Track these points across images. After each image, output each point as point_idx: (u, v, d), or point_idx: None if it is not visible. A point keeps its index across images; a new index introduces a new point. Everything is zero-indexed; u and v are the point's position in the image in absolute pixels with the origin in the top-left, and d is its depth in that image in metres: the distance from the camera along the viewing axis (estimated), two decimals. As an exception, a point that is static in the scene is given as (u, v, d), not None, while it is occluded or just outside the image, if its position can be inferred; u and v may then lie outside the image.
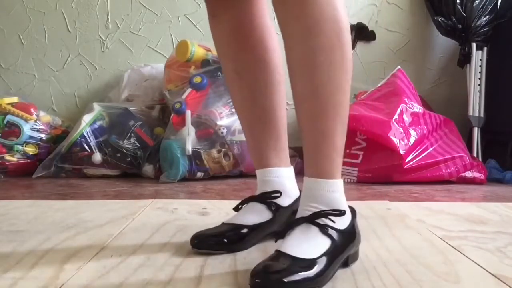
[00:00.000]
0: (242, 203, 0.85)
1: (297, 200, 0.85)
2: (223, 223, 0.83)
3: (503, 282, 0.66)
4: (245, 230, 0.80)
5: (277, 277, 0.60)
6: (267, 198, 0.83)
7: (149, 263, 0.73)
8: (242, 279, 0.66)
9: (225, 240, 0.78)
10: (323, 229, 0.66)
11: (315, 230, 0.66)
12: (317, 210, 0.67)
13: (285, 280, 0.59)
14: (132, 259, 0.74)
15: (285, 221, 0.83)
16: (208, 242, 0.78)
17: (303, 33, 0.65)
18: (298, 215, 0.69)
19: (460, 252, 0.80)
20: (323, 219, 0.67)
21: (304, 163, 0.71)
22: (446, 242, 0.86)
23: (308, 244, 0.64)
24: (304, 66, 0.67)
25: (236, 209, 0.85)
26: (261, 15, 0.82)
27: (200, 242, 0.78)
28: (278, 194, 0.83)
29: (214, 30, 0.86)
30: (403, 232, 0.94)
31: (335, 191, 0.69)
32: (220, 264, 0.72)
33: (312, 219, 0.67)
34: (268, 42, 0.83)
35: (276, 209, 0.83)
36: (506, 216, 1.13)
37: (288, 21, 0.67)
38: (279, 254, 0.64)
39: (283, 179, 0.85)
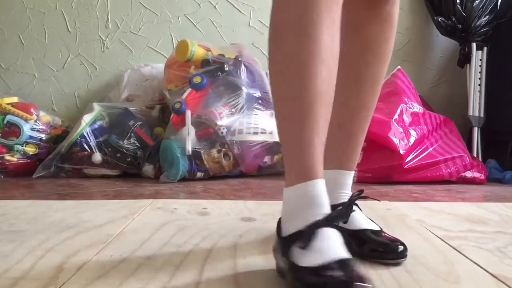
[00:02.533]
0: (307, 230, 0.59)
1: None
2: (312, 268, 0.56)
3: (503, 282, 0.66)
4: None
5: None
6: (334, 220, 0.62)
7: (149, 263, 0.73)
8: (242, 279, 0.66)
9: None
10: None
11: (357, 209, 0.80)
12: (348, 195, 0.81)
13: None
14: (132, 259, 0.74)
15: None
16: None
17: (386, 49, 0.80)
18: (336, 201, 0.78)
19: (460, 252, 0.80)
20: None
21: (334, 158, 0.81)
22: (446, 242, 0.86)
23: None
24: (374, 77, 0.81)
25: (304, 241, 0.58)
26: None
27: None
28: (340, 211, 0.76)
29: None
30: (403, 232, 0.94)
31: (351, 181, 0.85)
32: (220, 264, 0.72)
33: (352, 202, 0.79)
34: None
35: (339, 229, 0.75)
36: (506, 216, 1.13)
37: (379, 38, 0.79)
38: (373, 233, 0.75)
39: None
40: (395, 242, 0.75)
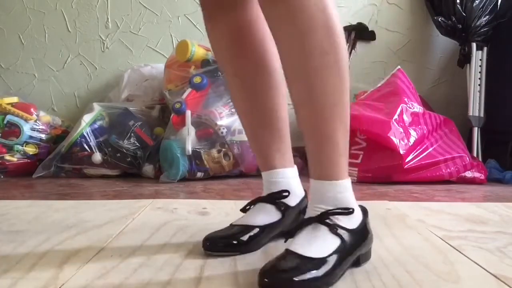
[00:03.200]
0: (250, 204, 0.85)
1: (303, 199, 0.86)
2: (232, 224, 0.82)
3: (503, 282, 0.66)
4: (256, 231, 0.80)
5: (286, 276, 0.60)
6: (276, 198, 0.83)
7: (149, 263, 0.73)
8: (242, 279, 0.66)
9: (236, 242, 0.77)
10: (332, 228, 0.66)
11: (324, 229, 0.66)
12: (324, 210, 0.68)
13: (295, 279, 0.60)
14: (132, 259, 0.74)
15: (293, 220, 0.84)
16: (219, 244, 0.77)
17: (295, 38, 0.65)
18: (307, 215, 0.70)
19: (460, 252, 0.80)
20: (332, 218, 0.67)
21: (308, 165, 0.73)
22: (446, 242, 0.86)
23: (317, 244, 0.65)
24: (297, 71, 0.67)
25: (244, 210, 0.85)
26: (261, 18, 0.80)
27: (212, 244, 0.77)
28: (287, 194, 0.83)
29: (212, 33, 0.85)
30: (403, 232, 0.94)
31: (341, 191, 0.69)
32: (220, 264, 0.72)
33: (321, 219, 0.67)
34: (268, 45, 0.82)
35: (284, 209, 0.83)
36: (506, 216, 1.13)
37: (279, 27, 0.67)
38: (287, 253, 0.65)
39: (289, 179, 0.86)
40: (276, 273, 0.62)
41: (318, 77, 0.66)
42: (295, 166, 0.88)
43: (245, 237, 0.78)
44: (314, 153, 0.72)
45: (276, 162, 0.85)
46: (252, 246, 0.79)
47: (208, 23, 0.84)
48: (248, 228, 0.80)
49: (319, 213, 0.68)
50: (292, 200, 0.84)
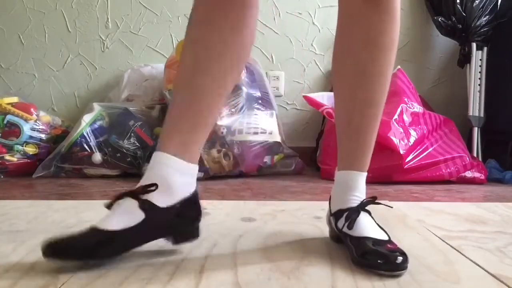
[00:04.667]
0: (118, 197, 0.70)
1: (184, 204, 0.72)
2: (91, 226, 0.68)
3: (503, 282, 0.66)
4: (102, 237, 0.66)
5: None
6: (140, 194, 0.69)
7: (149, 263, 0.73)
8: (242, 279, 0.66)
9: (76, 248, 0.65)
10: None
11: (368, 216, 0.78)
12: (362, 199, 0.79)
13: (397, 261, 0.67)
14: (132, 259, 0.74)
15: (160, 226, 0.71)
16: (58, 248, 0.64)
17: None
18: (346, 204, 0.78)
19: (460, 252, 0.80)
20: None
21: (343, 158, 0.81)
22: (446, 242, 0.86)
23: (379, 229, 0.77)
24: (372, 68, 0.76)
25: (109, 205, 0.71)
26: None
27: (48, 248, 0.64)
28: (153, 188, 0.69)
29: None
30: (403, 232, 0.94)
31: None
32: (220, 264, 0.72)
33: (362, 207, 0.78)
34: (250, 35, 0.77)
35: (149, 207, 0.69)
36: (506, 216, 1.13)
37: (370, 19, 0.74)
38: (360, 239, 0.72)
39: (173, 170, 0.70)
40: (395, 252, 0.69)
41: (387, 76, 0.78)
42: (197, 165, 0.75)
43: (86, 243, 0.66)
44: (356, 146, 0.80)
45: (172, 147, 0.71)
46: (96, 255, 0.67)
47: None
48: (94, 232, 0.67)
49: (357, 202, 0.78)
50: (164, 199, 0.70)
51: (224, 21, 0.73)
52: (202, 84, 0.73)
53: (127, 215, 0.68)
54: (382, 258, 0.68)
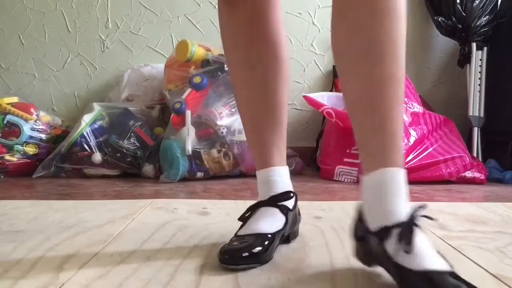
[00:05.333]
0: (250, 209, 0.81)
1: (297, 200, 0.85)
2: (239, 235, 0.76)
3: (503, 282, 0.66)
4: (269, 238, 0.75)
5: None
6: (279, 201, 0.80)
7: (149, 263, 0.73)
8: (242, 279, 0.66)
9: (256, 252, 0.71)
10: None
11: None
12: (408, 206, 0.62)
13: None
14: (132, 259, 0.74)
15: (292, 223, 0.82)
16: (239, 257, 0.70)
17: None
18: (390, 217, 0.59)
19: (460, 252, 0.80)
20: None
21: (369, 155, 0.64)
22: (446, 242, 0.86)
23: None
24: (394, 55, 0.63)
25: (243, 218, 0.80)
26: (277, 7, 0.81)
27: (231, 257, 0.70)
28: (291, 195, 0.81)
29: (228, 18, 0.82)
30: (403, 232, 0.94)
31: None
32: (220, 264, 0.72)
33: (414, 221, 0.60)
34: (281, 36, 0.82)
35: (287, 212, 0.80)
36: (506, 216, 1.13)
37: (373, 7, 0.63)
38: (423, 275, 0.55)
39: (287, 178, 0.84)
40: None
41: (401, 46, 0.63)
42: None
43: (262, 247, 0.72)
44: (384, 134, 0.63)
45: (275, 160, 0.83)
46: (269, 254, 0.74)
47: (226, 5, 0.82)
48: (261, 236, 0.74)
49: (402, 212, 0.60)
50: (290, 202, 0.82)
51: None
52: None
53: (272, 219, 0.78)
54: None
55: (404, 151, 1.69)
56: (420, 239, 0.58)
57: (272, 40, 0.81)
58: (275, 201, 0.80)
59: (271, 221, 0.78)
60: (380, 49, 0.62)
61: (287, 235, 0.82)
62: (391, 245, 0.58)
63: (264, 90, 0.82)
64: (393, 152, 0.62)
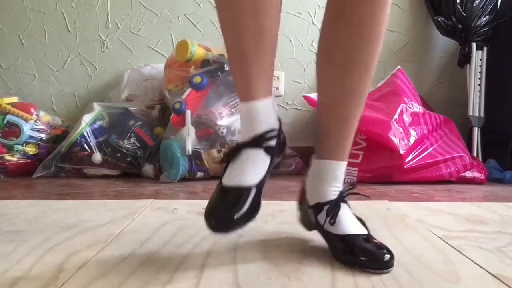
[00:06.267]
0: (233, 152, 0.74)
1: (280, 130, 0.78)
2: (222, 186, 0.72)
3: (503, 282, 0.66)
4: (254, 192, 0.71)
5: None
6: (263, 141, 0.73)
7: (149, 263, 0.73)
8: (242, 279, 0.66)
9: (244, 212, 0.70)
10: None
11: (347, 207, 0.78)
12: (341, 189, 0.78)
13: None
14: (132, 259, 0.74)
15: (277, 157, 0.78)
16: (229, 219, 0.69)
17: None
18: (326, 197, 0.77)
19: (460, 252, 0.80)
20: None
21: (323, 146, 0.78)
22: (446, 242, 0.86)
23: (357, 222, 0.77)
24: (361, 54, 0.74)
25: (226, 160, 0.75)
26: None
27: (220, 222, 0.69)
28: (274, 134, 0.75)
29: None
30: (403, 232, 0.94)
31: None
32: (220, 264, 0.72)
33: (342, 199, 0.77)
34: None
35: (272, 151, 0.75)
36: (506, 216, 1.13)
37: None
38: (344, 237, 0.74)
39: (271, 110, 0.75)
40: (381, 250, 0.72)
41: (371, 68, 0.75)
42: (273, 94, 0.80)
43: (251, 203, 0.70)
44: (338, 134, 0.78)
45: (261, 91, 0.74)
46: (258, 208, 0.72)
47: None
48: (247, 190, 0.71)
49: (336, 193, 0.77)
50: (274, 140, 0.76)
51: None
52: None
53: (256, 164, 0.73)
54: (368, 255, 0.70)
55: (405, 151, 1.69)
56: (344, 211, 0.76)
57: None
58: (260, 142, 0.73)
59: (256, 167, 0.73)
60: (356, 68, 0.74)
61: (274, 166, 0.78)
62: (321, 217, 0.76)
63: (263, 10, 0.72)
64: (342, 150, 0.78)
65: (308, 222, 0.83)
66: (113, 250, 0.79)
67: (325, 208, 0.76)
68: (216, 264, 0.72)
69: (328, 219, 0.75)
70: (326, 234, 0.77)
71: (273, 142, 0.75)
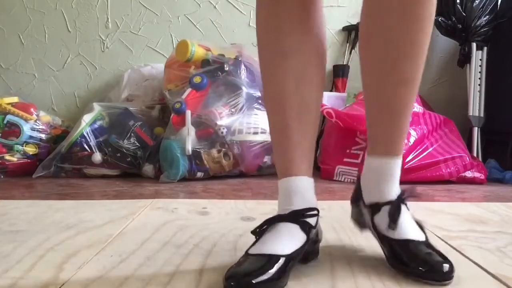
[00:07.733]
0: (267, 223, 0.69)
1: (318, 217, 0.73)
2: (248, 254, 0.66)
3: (503, 282, 0.66)
4: (282, 261, 0.63)
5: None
6: (301, 217, 0.69)
7: (149, 263, 0.73)
8: (242, 279, 0.66)
9: (266, 278, 0.60)
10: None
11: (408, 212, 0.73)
12: (398, 189, 0.73)
13: None
14: (132, 259, 0.74)
15: (312, 242, 0.71)
16: (247, 283, 0.59)
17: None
18: (383, 196, 0.72)
19: (460, 252, 0.80)
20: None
21: (378, 142, 0.74)
22: (446, 242, 0.86)
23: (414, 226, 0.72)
24: (411, 44, 0.71)
25: (258, 232, 0.69)
26: None
27: (238, 284, 0.60)
28: (316, 212, 0.70)
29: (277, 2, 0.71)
30: (403, 232, 0.94)
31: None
32: (220, 264, 0.72)
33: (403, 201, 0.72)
34: (325, 28, 0.75)
35: (309, 229, 0.69)
36: (506, 216, 1.13)
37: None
38: (403, 243, 0.68)
39: (312, 192, 0.73)
40: (441, 259, 0.65)
41: (424, 49, 0.72)
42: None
43: (276, 271, 0.62)
44: (391, 127, 0.73)
45: (301, 168, 0.72)
46: (283, 281, 0.63)
47: None
48: (275, 258, 0.63)
49: (395, 194, 0.72)
50: (313, 219, 0.71)
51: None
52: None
53: (291, 237, 0.67)
54: (427, 265, 0.64)
55: (404, 151, 1.68)
56: (405, 216, 0.70)
57: (319, 30, 0.73)
58: (297, 216, 0.69)
59: (289, 240, 0.66)
60: (404, 52, 0.70)
61: (305, 255, 0.70)
62: (380, 219, 0.71)
63: (303, 80, 0.72)
64: (397, 144, 0.73)
65: (362, 221, 0.78)
66: (113, 250, 0.79)
67: (383, 208, 0.71)
68: (216, 264, 0.72)
69: (389, 223, 0.69)
70: (381, 237, 0.71)
71: (312, 221, 0.70)
